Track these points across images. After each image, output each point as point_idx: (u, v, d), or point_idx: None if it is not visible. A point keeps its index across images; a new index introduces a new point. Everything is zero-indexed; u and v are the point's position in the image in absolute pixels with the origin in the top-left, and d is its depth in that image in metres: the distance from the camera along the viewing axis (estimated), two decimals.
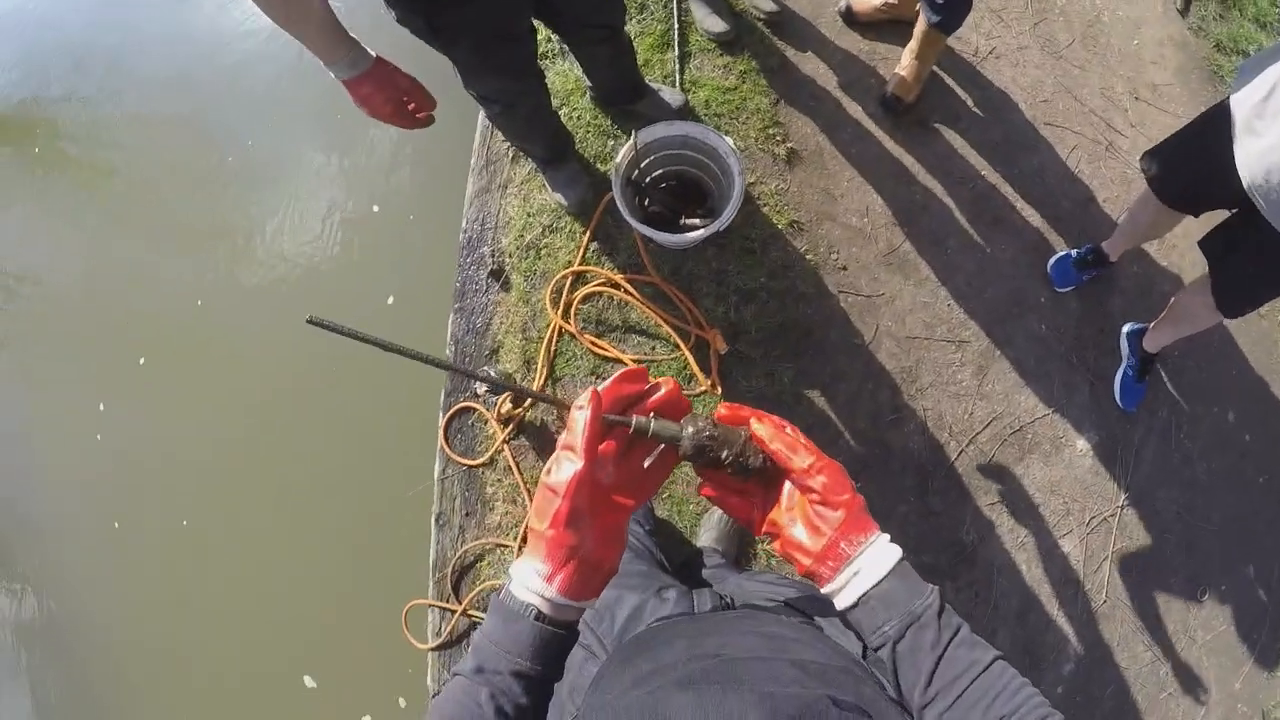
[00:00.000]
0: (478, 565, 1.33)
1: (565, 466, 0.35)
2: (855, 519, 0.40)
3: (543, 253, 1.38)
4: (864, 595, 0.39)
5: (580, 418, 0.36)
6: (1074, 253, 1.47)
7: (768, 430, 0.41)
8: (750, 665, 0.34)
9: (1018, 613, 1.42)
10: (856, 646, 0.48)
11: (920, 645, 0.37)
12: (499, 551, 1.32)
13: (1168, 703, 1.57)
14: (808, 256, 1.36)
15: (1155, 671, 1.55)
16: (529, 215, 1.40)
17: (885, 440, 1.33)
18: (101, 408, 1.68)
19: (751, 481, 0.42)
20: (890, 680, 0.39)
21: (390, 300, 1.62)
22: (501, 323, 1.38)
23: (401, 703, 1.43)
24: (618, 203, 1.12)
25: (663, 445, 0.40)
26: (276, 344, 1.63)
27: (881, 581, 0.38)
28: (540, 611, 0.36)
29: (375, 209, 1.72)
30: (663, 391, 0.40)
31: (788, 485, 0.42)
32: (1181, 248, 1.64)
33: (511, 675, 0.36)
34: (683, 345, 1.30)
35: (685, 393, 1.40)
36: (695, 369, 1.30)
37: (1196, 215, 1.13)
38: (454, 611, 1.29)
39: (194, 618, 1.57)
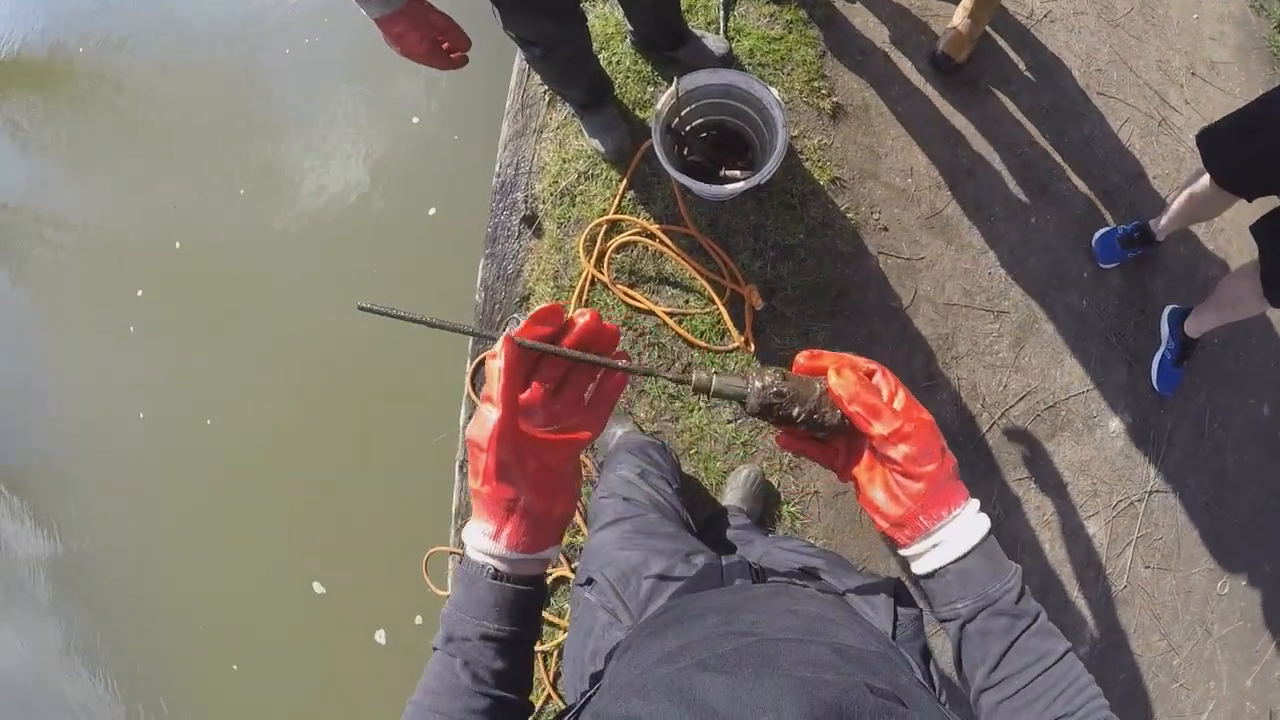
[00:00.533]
0: None
1: (485, 418, 0.33)
2: (938, 491, 0.36)
3: (577, 200, 1.34)
4: (941, 568, 0.37)
5: (495, 366, 0.33)
6: (1120, 229, 1.43)
7: (847, 388, 0.37)
8: (786, 647, 0.32)
9: (1038, 591, 1.41)
10: (886, 622, 0.47)
11: (991, 630, 0.36)
12: None
13: (1178, 694, 1.56)
14: (848, 215, 1.32)
15: (1168, 661, 1.54)
16: (564, 161, 1.37)
17: None
18: (132, 329, 1.68)
19: (833, 436, 0.39)
20: (952, 658, 0.38)
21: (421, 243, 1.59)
22: (533, 270, 1.35)
23: (418, 620, 1.43)
24: (657, 150, 1.08)
25: (602, 373, 0.37)
26: (313, 285, 1.62)
27: (963, 558, 0.36)
28: (497, 570, 0.35)
29: (407, 150, 1.68)
30: (579, 325, 0.35)
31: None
32: (1229, 231, 1.58)
33: (480, 640, 0.35)
34: (718, 300, 1.27)
35: (718, 348, 1.37)
36: (729, 324, 1.27)
37: (1250, 199, 1.10)
38: None
39: (213, 555, 1.59)
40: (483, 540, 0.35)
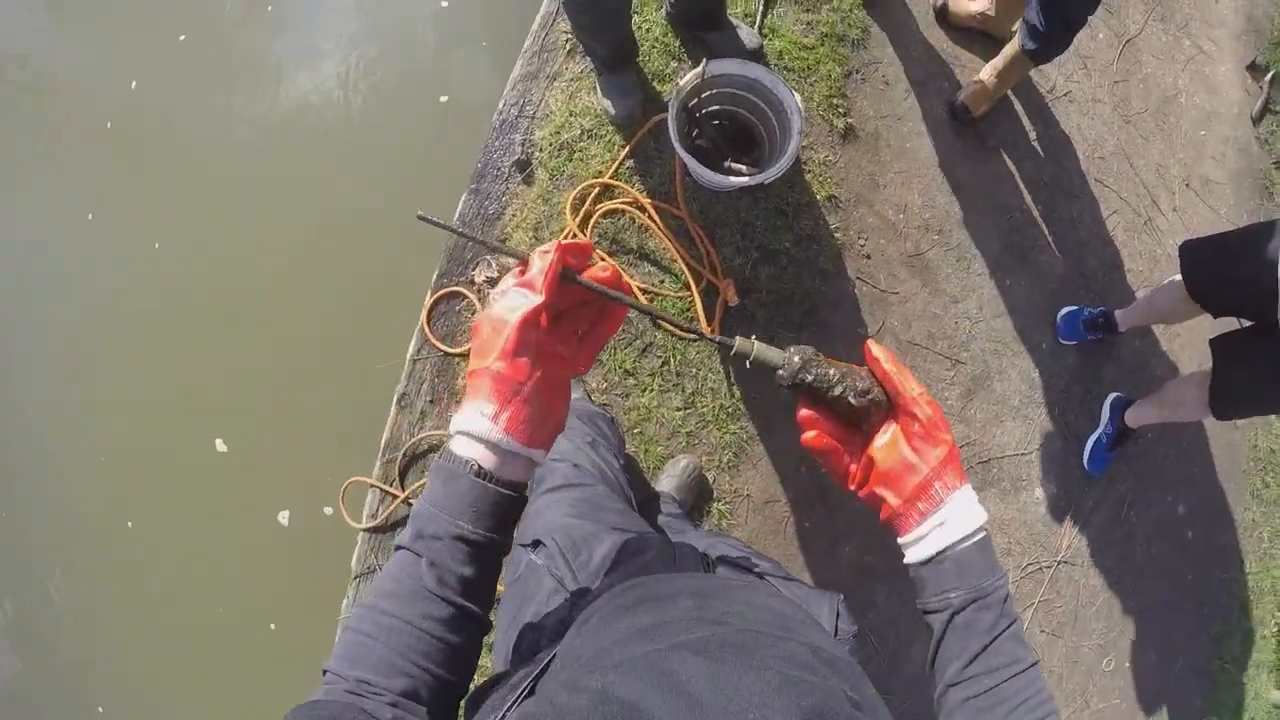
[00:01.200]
0: (430, 455, 1.29)
1: (517, 299, 0.33)
2: (954, 461, 0.38)
3: (575, 155, 1.32)
4: (942, 552, 0.37)
5: (543, 258, 0.34)
6: (1087, 310, 1.48)
7: (884, 352, 0.40)
8: (766, 640, 0.32)
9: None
10: (827, 626, 0.47)
11: (976, 625, 0.36)
12: None
13: None
14: (837, 235, 1.34)
15: None
16: (571, 114, 1.34)
17: None
18: (90, 217, 1.58)
19: (853, 426, 0.40)
20: (930, 650, 0.38)
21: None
22: (515, 215, 1.33)
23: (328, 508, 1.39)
24: (670, 125, 1.07)
25: (597, 315, 0.39)
26: (296, 181, 1.55)
27: (964, 542, 0.37)
28: (481, 467, 0.34)
29: (415, 71, 1.63)
30: (602, 276, 0.37)
31: (889, 425, 0.40)
32: (1185, 338, 1.66)
33: (452, 540, 0.33)
34: (693, 286, 1.27)
35: (681, 333, 1.36)
36: (700, 313, 1.27)
37: (1216, 316, 1.16)
38: (395, 496, 1.25)
39: (124, 407, 1.49)
40: (479, 421, 0.34)
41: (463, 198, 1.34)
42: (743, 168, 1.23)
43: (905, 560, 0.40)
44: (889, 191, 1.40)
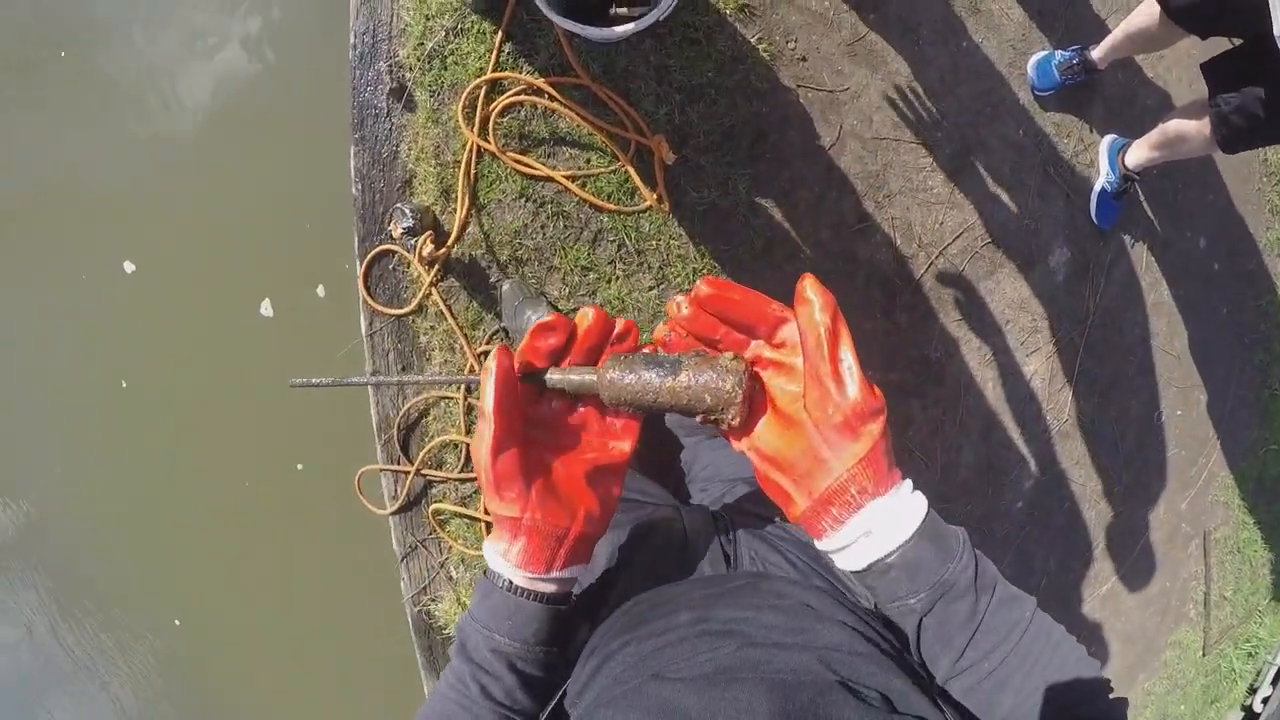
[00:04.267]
0: (424, 421, 1.23)
1: (480, 434, 0.32)
2: (879, 459, 0.30)
3: (449, 61, 1.16)
4: (878, 562, 0.31)
5: (487, 382, 0.32)
6: (1059, 53, 1.32)
7: (819, 295, 0.31)
8: (769, 654, 0.31)
9: (982, 430, 1.41)
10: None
11: (951, 619, 0.31)
12: (444, 404, 1.22)
13: (1116, 521, 1.64)
14: (761, 47, 1.18)
15: (1109, 490, 1.60)
16: (427, 19, 1.16)
17: (851, 252, 1.23)
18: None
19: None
20: (911, 648, 0.33)
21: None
22: (410, 149, 1.18)
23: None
24: None
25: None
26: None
27: (904, 546, 0.31)
28: (512, 583, 0.34)
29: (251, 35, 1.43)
30: (584, 327, 0.34)
31: (781, 389, 0.33)
32: (1169, 58, 1.50)
33: (491, 653, 0.34)
34: (622, 156, 1.14)
35: (629, 209, 1.25)
36: (638, 182, 1.14)
37: (1204, 38, 1.02)
38: (407, 473, 1.21)
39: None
40: (495, 558, 0.34)
41: (351, 151, 1.20)
42: (629, 10, 1.06)
43: (835, 568, 0.34)
44: None
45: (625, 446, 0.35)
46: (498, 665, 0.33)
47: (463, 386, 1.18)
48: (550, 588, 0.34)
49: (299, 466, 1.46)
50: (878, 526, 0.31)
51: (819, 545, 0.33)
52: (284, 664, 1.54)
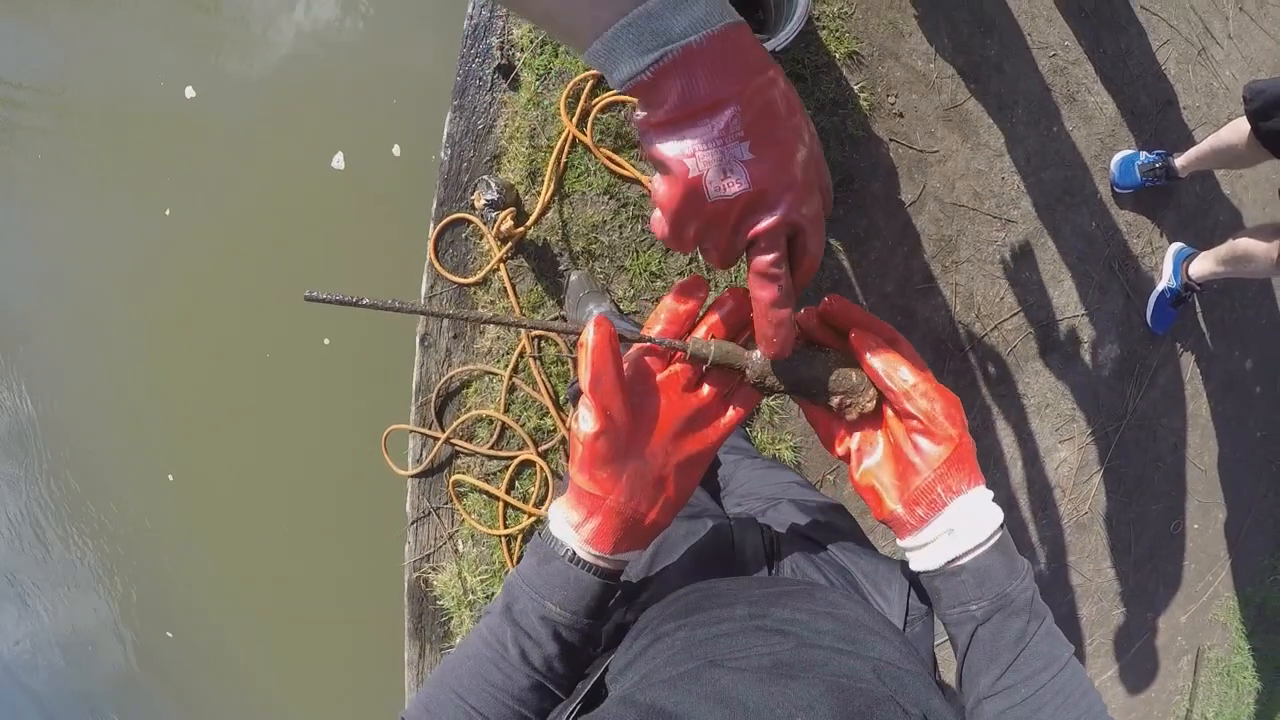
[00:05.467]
0: (464, 392, 1.25)
1: (581, 416, 0.32)
2: (962, 461, 0.33)
3: (562, 49, 1.20)
4: (953, 561, 0.33)
5: (583, 355, 0.31)
6: (1143, 155, 1.35)
7: (869, 342, 0.34)
8: (825, 656, 0.31)
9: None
10: (898, 614, 0.43)
11: (1005, 634, 0.33)
12: (487, 379, 1.24)
13: (1114, 623, 1.63)
14: (863, 96, 1.21)
15: (1113, 589, 1.59)
16: None
17: (911, 308, 1.25)
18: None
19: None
20: (957, 660, 0.35)
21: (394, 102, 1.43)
22: (506, 126, 1.22)
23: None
24: None
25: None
26: (274, 142, 1.45)
27: (979, 548, 0.32)
28: (575, 554, 0.34)
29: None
30: (728, 308, 0.34)
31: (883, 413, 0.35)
32: (1248, 178, 1.52)
33: (539, 620, 0.34)
34: None
35: None
36: None
37: None
38: (436, 439, 1.22)
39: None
40: (564, 527, 0.34)
41: (448, 116, 1.24)
42: None
43: (911, 567, 0.35)
44: (916, 39, 1.25)
45: (720, 433, 0.35)
46: (543, 632, 0.34)
47: (522, 339, 1.19)
48: (609, 565, 0.34)
49: (325, 341, 1.42)
50: (960, 525, 0.32)
51: (900, 543, 0.34)
52: (265, 591, 1.52)
